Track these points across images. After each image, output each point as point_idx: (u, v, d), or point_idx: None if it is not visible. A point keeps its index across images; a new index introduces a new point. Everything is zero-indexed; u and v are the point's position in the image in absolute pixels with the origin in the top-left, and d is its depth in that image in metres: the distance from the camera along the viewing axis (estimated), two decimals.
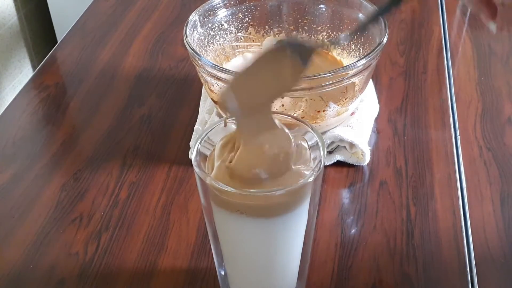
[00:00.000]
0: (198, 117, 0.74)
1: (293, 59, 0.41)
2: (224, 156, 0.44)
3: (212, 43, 0.74)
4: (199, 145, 0.45)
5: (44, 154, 0.72)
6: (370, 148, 0.68)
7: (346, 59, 0.75)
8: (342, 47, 0.75)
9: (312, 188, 0.45)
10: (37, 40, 1.56)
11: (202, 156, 0.45)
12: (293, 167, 0.43)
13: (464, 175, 0.66)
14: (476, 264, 0.56)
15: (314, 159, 0.45)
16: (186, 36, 0.66)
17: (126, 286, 0.55)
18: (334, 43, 0.43)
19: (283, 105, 0.65)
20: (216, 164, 0.44)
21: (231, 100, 0.42)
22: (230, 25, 0.76)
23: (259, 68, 0.42)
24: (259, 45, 0.78)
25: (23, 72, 1.50)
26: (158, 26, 0.96)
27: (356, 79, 0.63)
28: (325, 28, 0.76)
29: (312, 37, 0.77)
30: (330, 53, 0.76)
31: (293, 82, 0.43)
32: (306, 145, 0.45)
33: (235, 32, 0.76)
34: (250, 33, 0.77)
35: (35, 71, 0.87)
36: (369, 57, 0.62)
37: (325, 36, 0.76)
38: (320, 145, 0.45)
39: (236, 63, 0.76)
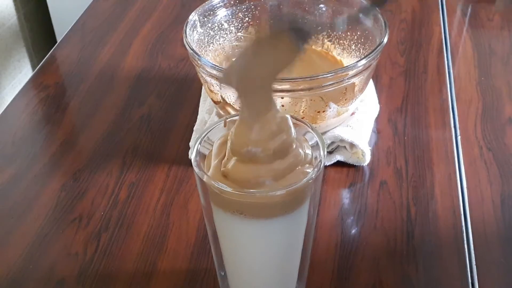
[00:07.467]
0: (198, 117, 0.73)
1: (291, 43, 0.43)
2: (221, 156, 0.44)
3: (212, 43, 0.74)
4: (199, 145, 0.45)
5: (43, 154, 0.72)
6: (370, 148, 0.68)
7: (346, 59, 0.75)
8: (342, 47, 0.75)
9: (312, 188, 0.45)
10: (36, 40, 1.55)
11: (202, 156, 0.45)
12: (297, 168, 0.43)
13: (465, 175, 0.66)
14: (476, 264, 0.56)
15: (314, 159, 0.45)
16: (186, 36, 0.66)
17: (125, 287, 0.55)
18: (333, 27, 0.45)
19: (283, 106, 0.65)
20: (213, 163, 0.44)
21: (234, 76, 0.43)
22: (230, 25, 0.76)
23: (258, 47, 0.43)
24: None
25: (22, 72, 1.50)
26: (157, 26, 0.96)
27: (356, 80, 0.63)
28: (325, 28, 0.76)
29: (312, 36, 0.77)
30: (330, 53, 0.76)
31: (289, 64, 0.44)
32: (307, 145, 0.45)
33: (235, 32, 0.76)
34: (250, 33, 0.77)
35: (35, 71, 0.87)
36: (369, 57, 0.62)
37: (325, 36, 0.76)
38: (320, 145, 0.45)
39: None
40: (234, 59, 0.44)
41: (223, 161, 0.43)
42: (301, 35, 0.43)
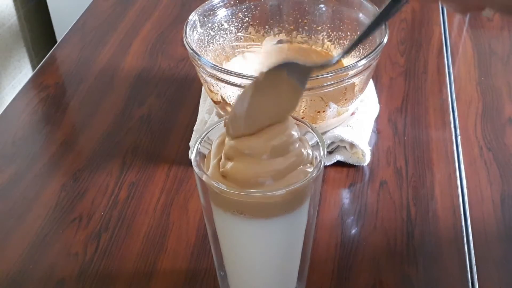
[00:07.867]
0: (198, 117, 0.73)
1: (290, 81, 0.42)
2: (219, 156, 0.44)
3: (212, 43, 0.74)
4: (199, 145, 0.45)
5: (43, 154, 0.72)
6: (370, 148, 0.68)
7: (346, 59, 0.74)
8: (342, 47, 0.75)
9: (312, 188, 0.45)
10: (36, 40, 1.56)
11: (202, 156, 0.45)
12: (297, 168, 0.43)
13: (465, 175, 0.66)
14: (476, 264, 0.56)
15: (314, 159, 0.45)
16: (186, 36, 0.66)
17: (125, 287, 0.55)
18: (327, 64, 0.44)
19: None
20: (212, 162, 0.44)
21: (236, 127, 0.42)
22: (230, 25, 0.76)
23: (258, 94, 0.42)
24: (259, 45, 0.78)
25: (22, 72, 1.50)
26: (157, 26, 0.96)
27: (356, 80, 0.63)
28: (325, 28, 0.76)
29: (313, 36, 0.77)
30: (330, 53, 0.76)
31: (293, 105, 0.43)
32: (307, 145, 0.45)
33: (235, 32, 0.76)
34: (250, 33, 0.77)
35: (35, 71, 0.87)
36: (369, 57, 0.62)
37: (325, 36, 0.76)
38: (320, 145, 0.45)
39: (236, 63, 0.76)
40: (234, 106, 0.42)
41: (221, 162, 0.43)
42: (299, 71, 0.42)
